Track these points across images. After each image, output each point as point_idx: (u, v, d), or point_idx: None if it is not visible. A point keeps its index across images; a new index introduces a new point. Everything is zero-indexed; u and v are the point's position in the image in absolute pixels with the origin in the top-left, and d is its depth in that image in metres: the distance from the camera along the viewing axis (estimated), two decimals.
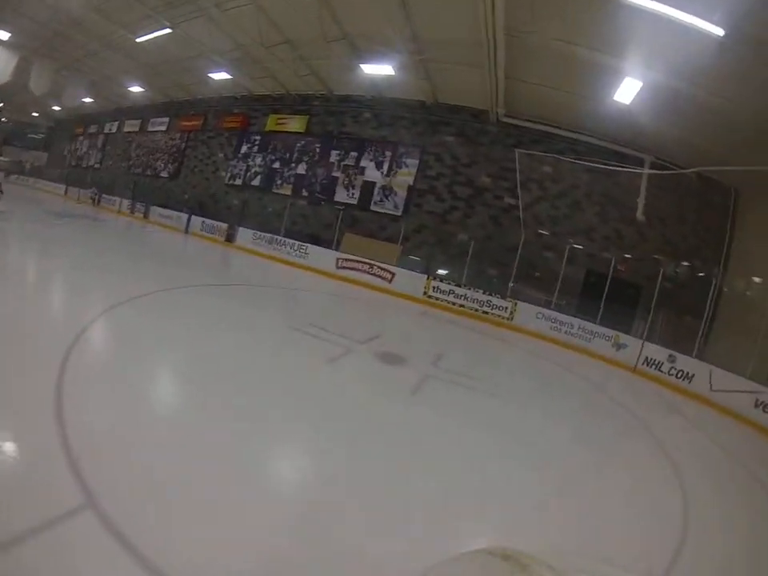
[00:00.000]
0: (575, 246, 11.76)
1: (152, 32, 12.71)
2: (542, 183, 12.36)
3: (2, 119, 35.03)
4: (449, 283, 11.72)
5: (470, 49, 9.66)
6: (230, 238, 15.72)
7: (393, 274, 12.37)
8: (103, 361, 4.11)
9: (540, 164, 12.08)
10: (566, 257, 11.39)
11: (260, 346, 5.51)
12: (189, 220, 17.18)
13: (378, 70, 11.42)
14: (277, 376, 4.62)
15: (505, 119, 12.54)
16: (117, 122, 25.36)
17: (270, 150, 17.19)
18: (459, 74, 11.38)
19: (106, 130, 26.49)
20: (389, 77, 11.76)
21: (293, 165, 16.51)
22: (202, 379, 4.07)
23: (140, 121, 23.45)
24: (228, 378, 4.17)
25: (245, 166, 17.79)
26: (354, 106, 15.35)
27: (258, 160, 17.45)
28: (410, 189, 14.13)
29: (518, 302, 10.98)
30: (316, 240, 14.38)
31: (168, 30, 12.27)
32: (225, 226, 16.02)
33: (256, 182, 17.40)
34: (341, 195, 15.37)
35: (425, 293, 11.86)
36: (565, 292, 11.24)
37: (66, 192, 25.82)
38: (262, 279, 11.64)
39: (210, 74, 15.27)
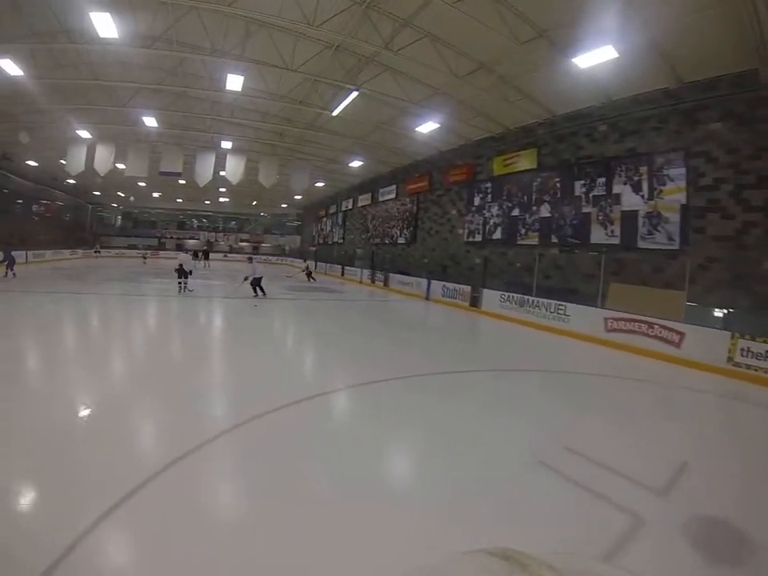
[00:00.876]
0: None
1: (343, 100, 13.21)
2: None
3: (261, 213, 45.55)
4: (765, 341, 7.82)
5: None
6: (474, 302, 14.56)
7: (681, 334, 8.89)
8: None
9: None
10: None
11: (481, 515, 3.06)
12: (429, 285, 17.11)
13: (597, 56, 8.87)
14: None
15: None
16: (351, 199, 28.94)
17: (504, 197, 15.57)
18: (699, 26, 8.23)
19: (343, 208, 30.73)
20: (613, 66, 9.30)
21: (534, 208, 14.40)
22: None
23: (370, 193, 25.87)
24: None
25: (481, 219, 16.60)
26: (585, 122, 12.63)
27: (495, 210, 16.00)
28: (684, 209, 10.32)
29: None
30: (574, 295, 11.92)
31: (355, 93, 12.48)
32: (468, 288, 15.06)
33: (497, 234, 15.89)
34: (598, 235, 12.48)
35: (730, 359, 8.09)
36: None
37: (315, 267, 30.88)
38: (511, 358, 9.23)
39: (417, 129, 14.94)
